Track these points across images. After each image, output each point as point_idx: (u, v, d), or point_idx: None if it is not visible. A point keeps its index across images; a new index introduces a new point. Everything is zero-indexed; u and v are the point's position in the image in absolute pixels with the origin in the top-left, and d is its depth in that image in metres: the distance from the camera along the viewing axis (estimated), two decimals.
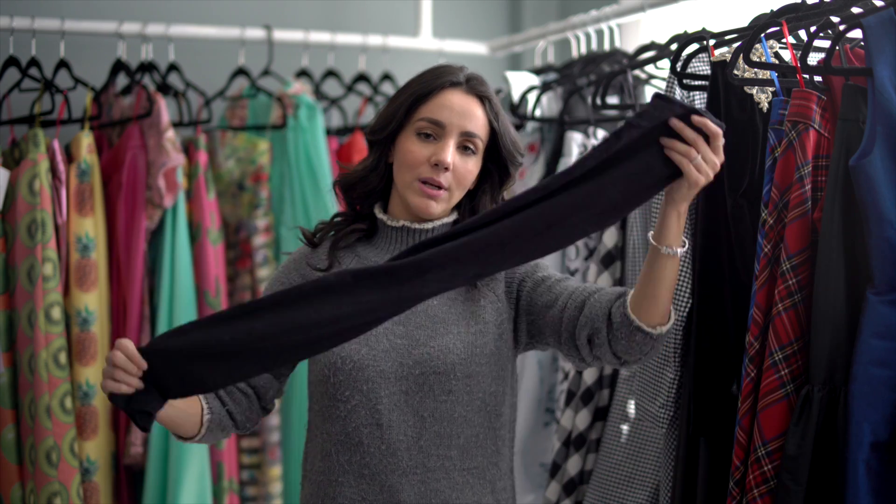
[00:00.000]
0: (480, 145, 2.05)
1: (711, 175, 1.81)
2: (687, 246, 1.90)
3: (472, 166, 2.04)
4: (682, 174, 1.81)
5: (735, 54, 2.07)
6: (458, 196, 2.06)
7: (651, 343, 1.90)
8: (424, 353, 2.00)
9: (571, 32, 3.33)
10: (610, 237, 2.66)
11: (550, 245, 1.87)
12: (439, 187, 2.02)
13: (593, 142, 2.85)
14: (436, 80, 2.04)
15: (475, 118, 2.03)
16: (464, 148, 2.03)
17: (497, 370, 2.04)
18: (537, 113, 3.08)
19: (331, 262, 2.08)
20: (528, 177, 3.10)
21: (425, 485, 2.00)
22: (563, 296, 2.01)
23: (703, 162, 1.79)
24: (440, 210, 2.05)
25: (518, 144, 2.10)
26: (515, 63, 4.15)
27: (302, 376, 3.14)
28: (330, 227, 2.14)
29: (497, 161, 2.09)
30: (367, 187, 2.10)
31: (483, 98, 2.05)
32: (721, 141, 1.80)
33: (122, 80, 3.37)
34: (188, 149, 3.29)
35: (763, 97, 2.10)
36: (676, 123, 1.80)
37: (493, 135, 2.06)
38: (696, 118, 1.79)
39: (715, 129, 1.79)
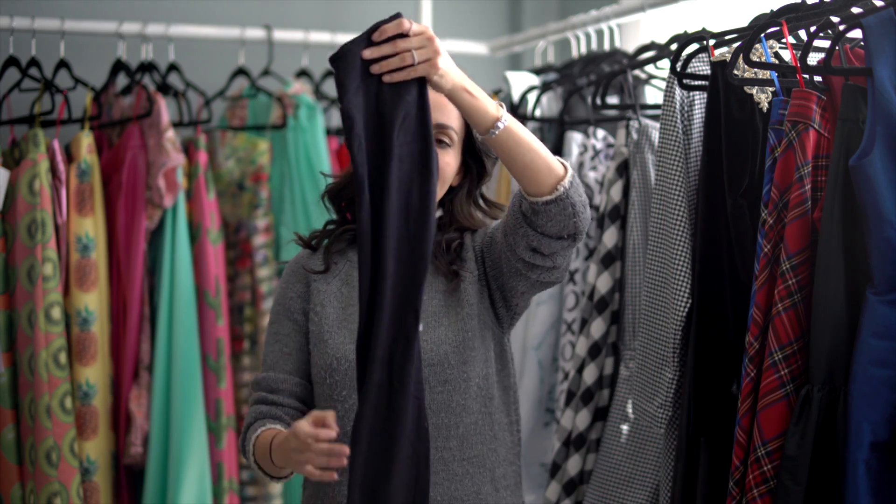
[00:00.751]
0: (455, 137, 2.05)
1: (438, 48, 1.79)
2: (504, 109, 1.88)
3: (449, 159, 2.04)
4: (424, 78, 1.81)
5: (735, 54, 2.07)
6: (441, 190, 2.06)
7: (567, 203, 1.89)
8: None
9: (571, 32, 3.33)
10: (610, 237, 2.66)
11: (422, 235, 1.82)
12: None
13: (593, 142, 2.85)
14: None
15: (447, 110, 2.02)
16: (438, 141, 2.02)
17: (484, 351, 2.05)
18: (537, 113, 3.08)
19: (327, 265, 2.11)
20: None
21: None
22: (496, 233, 2.05)
23: (419, 51, 1.79)
24: None
25: None
26: (515, 63, 4.15)
27: None
28: (323, 235, 2.17)
29: (473, 155, 2.10)
30: (353, 192, 2.11)
31: None
32: (406, 23, 1.78)
33: (122, 80, 3.37)
34: (188, 149, 3.28)
35: (763, 97, 2.10)
36: (369, 54, 1.78)
37: (468, 127, 2.07)
38: (374, 36, 1.78)
39: (389, 26, 1.78)
